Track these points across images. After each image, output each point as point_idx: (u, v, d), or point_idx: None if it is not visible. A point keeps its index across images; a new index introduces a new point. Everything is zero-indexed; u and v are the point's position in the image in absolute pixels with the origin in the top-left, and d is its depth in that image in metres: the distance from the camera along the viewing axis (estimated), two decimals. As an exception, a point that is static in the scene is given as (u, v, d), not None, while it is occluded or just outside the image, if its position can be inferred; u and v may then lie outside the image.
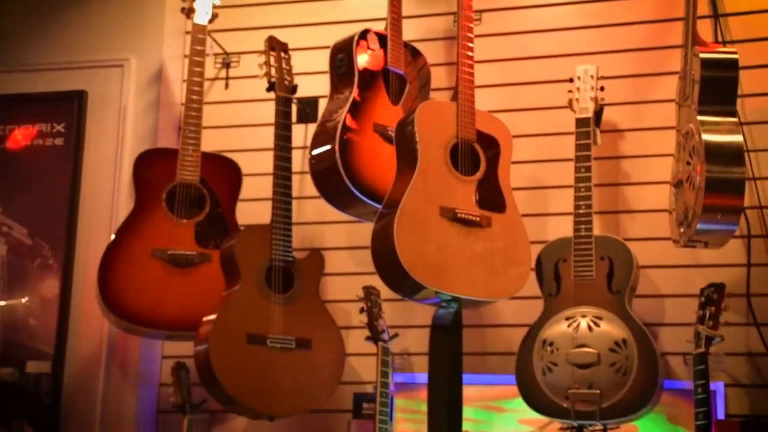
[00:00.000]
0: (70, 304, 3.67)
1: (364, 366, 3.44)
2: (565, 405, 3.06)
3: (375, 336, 3.24)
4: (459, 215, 3.09)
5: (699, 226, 2.86)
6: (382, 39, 3.46)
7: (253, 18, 3.86)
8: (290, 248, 3.35)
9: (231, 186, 3.55)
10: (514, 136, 3.24)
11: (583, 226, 3.15)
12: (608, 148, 3.38)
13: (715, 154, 2.82)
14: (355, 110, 3.34)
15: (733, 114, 2.88)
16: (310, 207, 3.63)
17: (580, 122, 3.24)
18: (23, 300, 3.73)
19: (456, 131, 3.16)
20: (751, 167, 3.14)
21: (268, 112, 3.48)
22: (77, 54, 3.84)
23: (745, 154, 2.92)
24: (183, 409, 3.36)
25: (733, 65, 2.87)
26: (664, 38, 3.43)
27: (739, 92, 2.90)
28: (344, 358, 3.37)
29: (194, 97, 3.52)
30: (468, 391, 3.25)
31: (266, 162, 3.45)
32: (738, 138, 2.85)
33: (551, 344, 3.12)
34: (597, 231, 3.19)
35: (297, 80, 3.50)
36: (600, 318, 3.10)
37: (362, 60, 3.40)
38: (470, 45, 3.22)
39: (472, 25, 3.24)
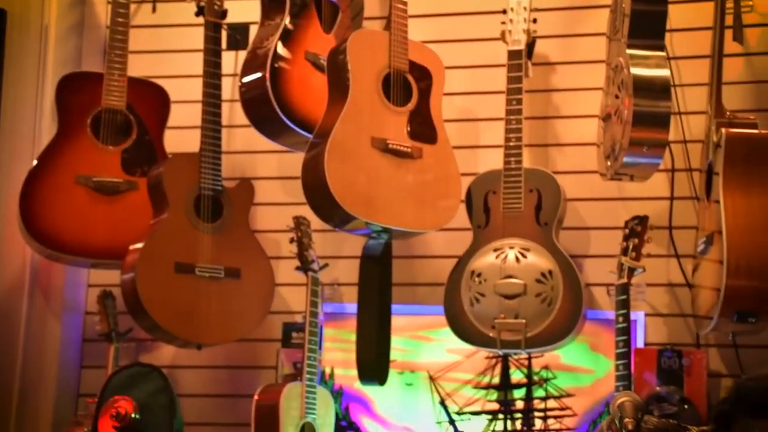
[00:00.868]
0: (-9, 231, 3.59)
1: (294, 296, 3.45)
2: (491, 334, 3.12)
3: (305, 266, 3.24)
4: (390, 146, 3.09)
5: (625, 159, 2.91)
6: (314, -35, 3.40)
7: (181, -61, 3.74)
8: (219, 177, 3.31)
9: (159, 113, 3.47)
10: (447, 68, 3.22)
11: (513, 159, 3.18)
12: (539, 81, 3.40)
13: (643, 87, 2.86)
14: (287, 38, 3.28)
15: (662, 48, 2.91)
16: (240, 136, 3.58)
17: (512, 54, 3.24)
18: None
19: (388, 61, 3.13)
20: (677, 102, 3.19)
21: (197, 37, 3.40)
22: (-5, -28, 3.68)
23: (672, 89, 2.97)
24: (109, 337, 3.35)
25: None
26: (597, -28, 3.43)
27: (668, 27, 2.93)
28: (273, 287, 3.37)
29: (120, 19, 3.41)
30: (396, 321, 3.29)
31: (195, 89, 3.37)
32: (665, 72, 2.89)
33: (479, 275, 3.16)
34: (527, 164, 3.21)
35: (227, 5, 3.42)
36: (527, 249, 3.15)
37: (294, -14, 3.34)
38: (404, -25, 3.18)
39: (406, -46, 3.19)
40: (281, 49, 3.25)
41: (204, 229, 3.26)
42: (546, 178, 3.21)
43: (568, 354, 3.26)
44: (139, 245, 3.17)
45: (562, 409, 3.26)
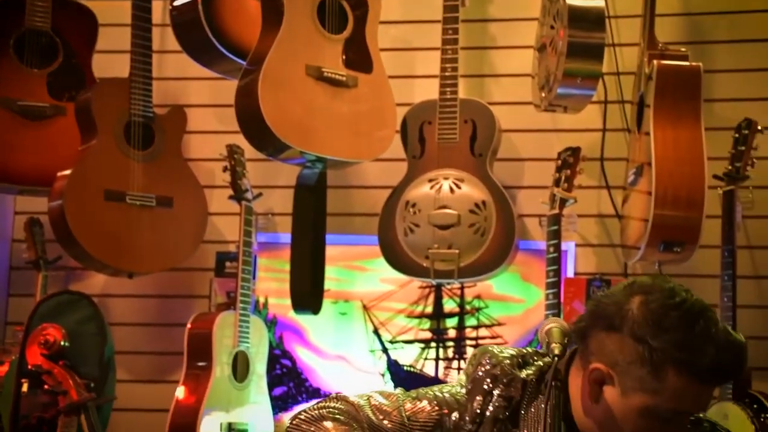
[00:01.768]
0: None
1: (228, 225, 3.42)
2: (425, 264, 3.14)
3: (238, 195, 3.22)
4: (325, 74, 3.05)
5: (559, 90, 2.93)
6: None
7: None
8: (150, 104, 3.24)
9: (86, 36, 3.37)
10: (383, -5, 3.18)
11: (448, 89, 3.17)
12: (476, 10, 3.37)
13: (578, 18, 2.86)
14: (220, -39, 3.20)
15: (597, -21, 2.91)
16: (172, 61, 3.50)
17: (449, -17, 3.20)
18: None
19: (324, -13, 3.08)
20: (611, 33, 3.20)
21: (126, -42, 3.30)
22: None
23: (606, 20, 2.98)
24: (37, 265, 3.30)
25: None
26: None
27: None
28: (207, 216, 3.34)
29: (43, -65, 3.29)
30: (331, 251, 3.29)
31: (124, 12, 3.28)
32: (600, 3, 2.90)
33: (414, 205, 3.17)
34: (462, 94, 3.21)
35: (157, -75, 3.32)
36: (462, 180, 3.16)
37: None
38: None
39: None
40: (214, -28, 3.18)
41: (135, 157, 3.21)
42: (481, 109, 3.21)
43: (500, 284, 3.30)
44: (67, 172, 3.11)
45: (493, 337, 3.32)
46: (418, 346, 3.35)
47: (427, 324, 3.36)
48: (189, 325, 3.13)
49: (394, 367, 3.35)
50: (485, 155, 3.18)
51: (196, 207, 3.31)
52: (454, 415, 1.62)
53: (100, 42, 3.39)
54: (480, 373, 1.64)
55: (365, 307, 3.39)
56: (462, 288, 3.34)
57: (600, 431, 1.60)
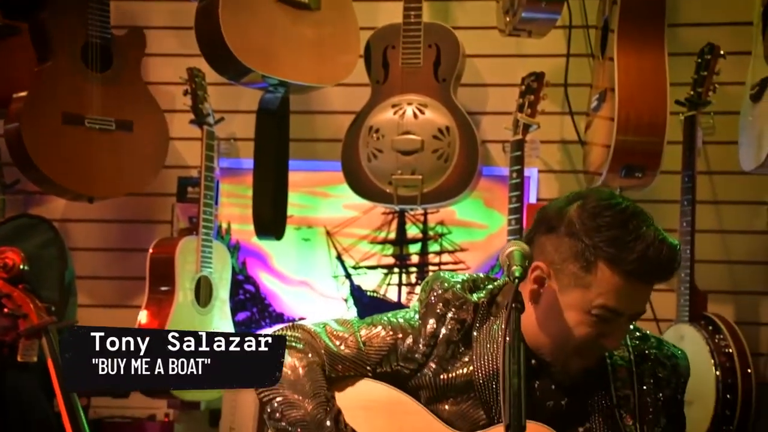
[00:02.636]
0: None
1: (189, 150, 3.38)
2: (388, 190, 3.14)
3: (200, 119, 3.17)
4: (287, -5, 3.00)
5: (524, 14, 2.90)
6: None
7: None
8: (108, 25, 3.16)
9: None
10: None
11: (412, 13, 3.13)
12: (441, -68, 3.32)
13: (544, -60, 2.83)
14: None
15: None
16: (130, -19, 3.42)
17: None
18: None
19: None
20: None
21: None
22: None
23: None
24: (-6, 189, 3.24)
25: None
26: None
27: None
28: (168, 141, 3.30)
29: None
30: (294, 177, 3.28)
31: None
32: (567, -75, 2.86)
33: (377, 131, 3.15)
34: (426, 18, 3.17)
35: None
36: (425, 106, 3.14)
37: None
38: None
39: None
40: None
41: (93, 79, 3.14)
42: (445, 34, 3.18)
43: (463, 210, 3.32)
44: (23, 93, 3.04)
45: (456, 263, 3.34)
46: (381, 271, 3.37)
47: (390, 250, 3.37)
48: (151, 250, 3.12)
49: (357, 293, 3.37)
50: (449, 80, 3.16)
51: (157, 131, 3.26)
52: (408, 340, 1.68)
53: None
54: (432, 299, 1.70)
55: (328, 233, 3.39)
56: (425, 214, 3.35)
57: (551, 344, 1.64)
